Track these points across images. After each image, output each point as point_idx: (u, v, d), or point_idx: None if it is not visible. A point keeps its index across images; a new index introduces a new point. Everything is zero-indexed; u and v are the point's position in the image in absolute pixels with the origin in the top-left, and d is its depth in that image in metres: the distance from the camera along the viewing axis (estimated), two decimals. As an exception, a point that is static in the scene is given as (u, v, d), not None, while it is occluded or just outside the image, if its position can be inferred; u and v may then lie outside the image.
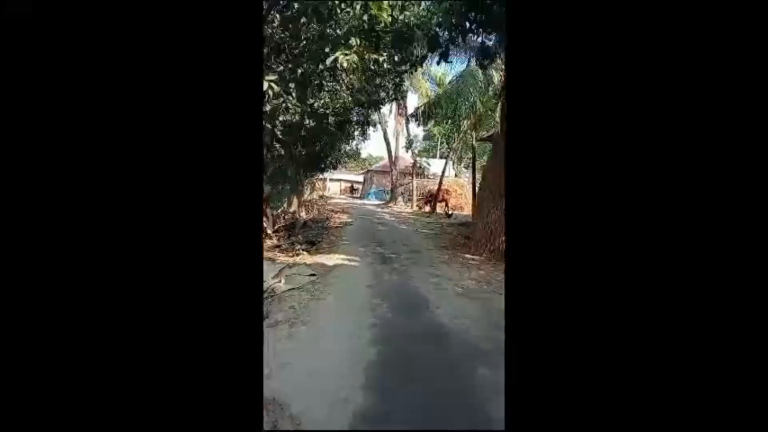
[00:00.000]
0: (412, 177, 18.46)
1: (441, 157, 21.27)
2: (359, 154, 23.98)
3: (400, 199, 19.28)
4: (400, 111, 18.47)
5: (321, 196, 19.77)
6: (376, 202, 21.71)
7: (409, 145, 19.14)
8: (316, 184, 19.99)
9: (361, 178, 32.07)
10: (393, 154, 19.83)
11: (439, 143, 19.49)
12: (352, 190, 32.43)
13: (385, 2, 3.84)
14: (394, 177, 19.54)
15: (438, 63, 6.13)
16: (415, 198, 17.54)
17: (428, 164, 21.32)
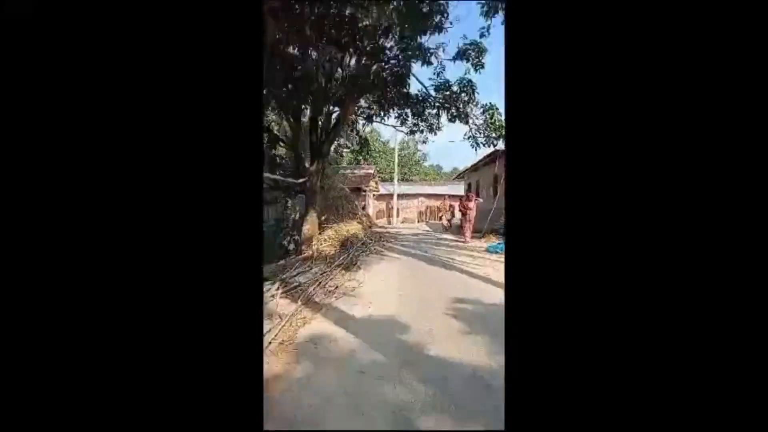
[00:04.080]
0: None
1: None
2: (465, 112, 6.46)
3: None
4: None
5: (349, 238, 7.23)
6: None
7: None
8: (367, 200, 9.19)
9: (458, 190, 13.91)
10: None
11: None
12: (438, 214, 14.10)
13: None
14: None
15: None
16: None
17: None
